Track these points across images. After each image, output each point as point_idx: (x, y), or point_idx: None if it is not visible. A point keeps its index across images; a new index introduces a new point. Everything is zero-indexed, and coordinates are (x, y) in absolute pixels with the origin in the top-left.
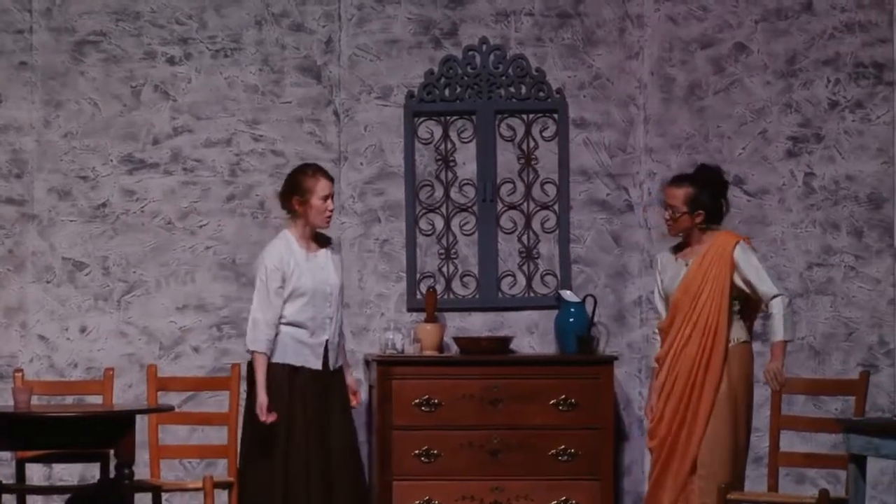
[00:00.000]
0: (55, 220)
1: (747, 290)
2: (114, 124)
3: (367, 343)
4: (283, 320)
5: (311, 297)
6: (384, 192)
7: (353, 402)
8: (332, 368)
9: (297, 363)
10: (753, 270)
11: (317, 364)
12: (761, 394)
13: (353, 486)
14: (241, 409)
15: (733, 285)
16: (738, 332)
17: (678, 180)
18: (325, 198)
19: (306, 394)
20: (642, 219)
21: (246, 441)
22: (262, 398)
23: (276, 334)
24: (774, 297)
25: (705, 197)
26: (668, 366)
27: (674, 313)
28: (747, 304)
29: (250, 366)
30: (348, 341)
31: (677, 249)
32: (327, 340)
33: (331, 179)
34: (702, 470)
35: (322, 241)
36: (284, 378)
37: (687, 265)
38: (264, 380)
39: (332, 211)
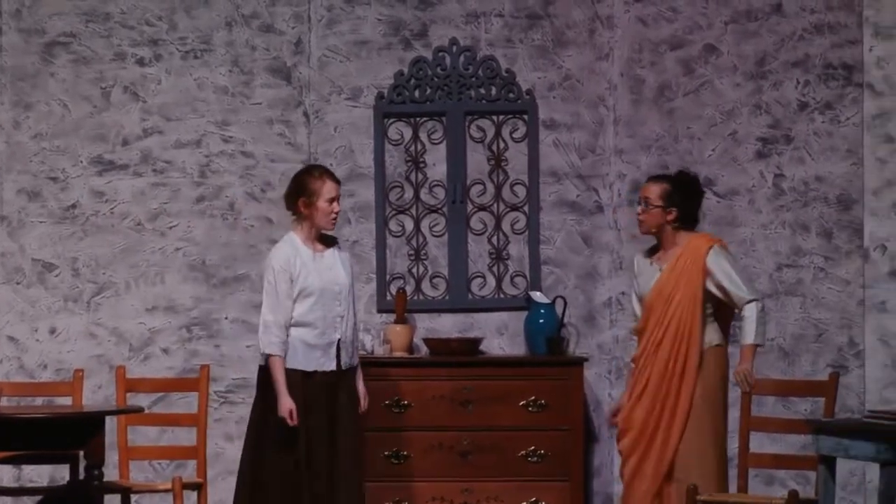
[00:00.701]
0: (25, 222)
1: (720, 295)
2: (83, 125)
3: None
4: (293, 321)
5: (320, 297)
6: (354, 193)
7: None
8: (344, 367)
9: (310, 368)
10: (726, 276)
11: (330, 365)
12: (731, 395)
13: (355, 489)
14: (211, 411)
15: (706, 290)
16: (712, 335)
17: (656, 177)
18: (332, 200)
19: (319, 399)
20: (612, 220)
21: (251, 444)
22: (287, 402)
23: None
24: (749, 302)
25: (680, 196)
26: (640, 367)
27: (647, 316)
28: (721, 307)
29: (261, 370)
30: None
31: (651, 253)
32: (339, 339)
33: (337, 182)
34: (679, 474)
35: (328, 241)
36: (297, 384)
37: (661, 269)
38: (284, 382)
39: (337, 213)
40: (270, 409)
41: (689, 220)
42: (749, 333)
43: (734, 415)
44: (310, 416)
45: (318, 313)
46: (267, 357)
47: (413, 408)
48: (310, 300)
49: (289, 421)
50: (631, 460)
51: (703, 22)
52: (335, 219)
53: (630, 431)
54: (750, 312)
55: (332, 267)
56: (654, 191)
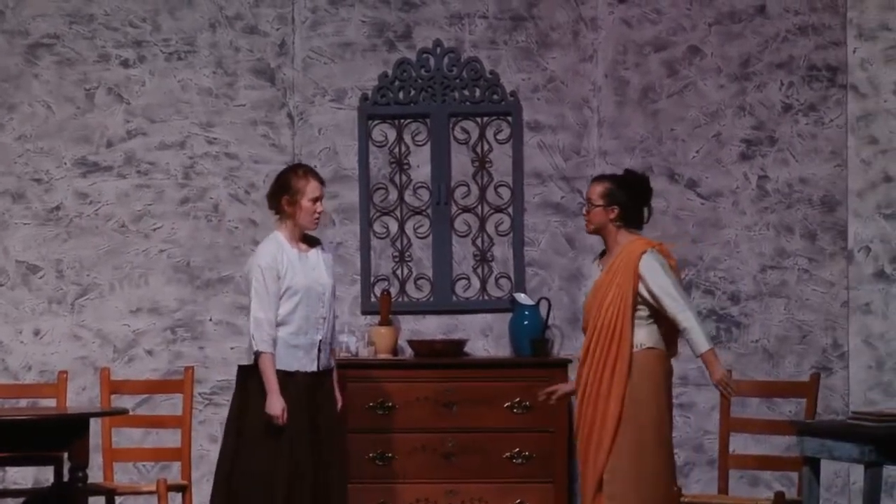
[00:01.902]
0: (8, 223)
1: (652, 301)
2: (67, 127)
3: None
4: (277, 320)
5: (305, 296)
6: (338, 194)
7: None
8: (322, 369)
9: (291, 368)
10: (657, 285)
11: (311, 366)
12: (712, 396)
13: (340, 490)
14: (195, 412)
15: (639, 293)
16: (643, 337)
17: (599, 177)
18: (315, 199)
19: (300, 400)
20: None
21: (231, 444)
22: (280, 401)
23: None
24: (679, 312)
25: (622, 195)
26: (579, 368)
27: (586, 317)
28: (659, 311)
29: (241, 369)
30: None
31: (601, 256)
32: (320, 340)
33: (321, 181)
34: (606, 475)
35: (311, 241)
36: (280, 384)
37: (602, 270)
38: (276, 380)
39: (321, 213)
40: (252, 408)
41: (632, 219)
42: (699, 344)
43: (715, 416)
44: (291, 415)
45: (302, 313)
46: (257, 355)
47: (397, 409)
48: (294, 299)
49: (279, 420)
50: (580, 464)
51: (687, 23)
52: (318, 219)
53: (578, 441)
54: (689, 323)
55: (317, 267)
56: (596, 190)
